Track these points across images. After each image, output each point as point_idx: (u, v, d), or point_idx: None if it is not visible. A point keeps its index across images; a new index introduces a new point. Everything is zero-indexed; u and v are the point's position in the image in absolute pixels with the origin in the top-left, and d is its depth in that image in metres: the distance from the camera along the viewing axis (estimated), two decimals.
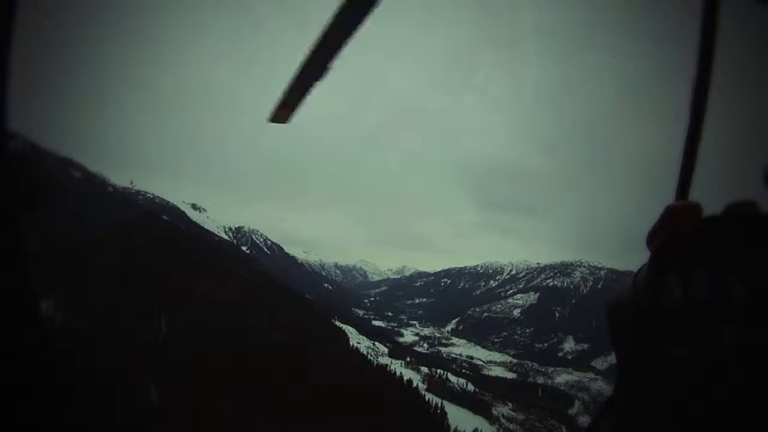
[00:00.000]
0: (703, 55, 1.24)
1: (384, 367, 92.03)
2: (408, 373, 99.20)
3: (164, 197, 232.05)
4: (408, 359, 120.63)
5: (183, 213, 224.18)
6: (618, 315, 0.85)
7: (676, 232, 0.74)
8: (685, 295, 0.69)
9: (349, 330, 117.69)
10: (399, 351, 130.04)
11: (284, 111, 1.74)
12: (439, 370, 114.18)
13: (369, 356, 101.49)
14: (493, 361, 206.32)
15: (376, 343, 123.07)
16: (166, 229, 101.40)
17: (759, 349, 0.63)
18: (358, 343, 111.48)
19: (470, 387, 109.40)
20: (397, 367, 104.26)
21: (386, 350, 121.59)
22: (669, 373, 0.71)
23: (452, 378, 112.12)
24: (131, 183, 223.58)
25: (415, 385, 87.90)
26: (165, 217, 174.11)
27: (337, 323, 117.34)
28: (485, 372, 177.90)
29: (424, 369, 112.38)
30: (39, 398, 1.14)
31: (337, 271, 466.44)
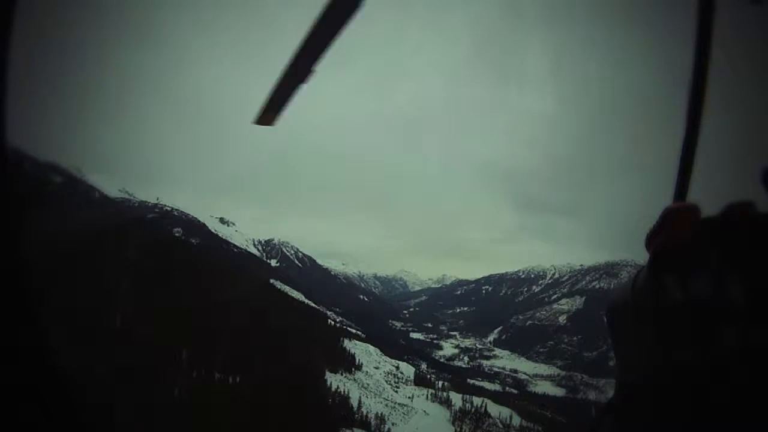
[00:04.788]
0: (700, 56, 1.22)
1: None
2: (433, 410, 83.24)
3: (188, 212, 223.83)
4: (441, 384, 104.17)
5: (203, 225, 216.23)
6: (618, 317, 0.84)
7: (675, 234, 0.74)
8: (685, 296, 0.69)
9: (370, 351, 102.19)
10: (429, 375, 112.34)
11: (270, 113, 1.71)
12: (475, 399, 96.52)
13: (389, 385, 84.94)
14: (539, 375, 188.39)
15: (400, 365, 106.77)
16: (159, 243, 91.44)
17: (759, 350, 0.63)
18: (376, 368, 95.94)
19: (516, 419, 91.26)
20: (421, 400, 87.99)
21: (412, 374, 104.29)
22: (669, 375, 0.70)
23: (492, 408, 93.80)
24: (157, 199, 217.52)
25: None
26: (178, 229, 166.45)
27: (351, 343, 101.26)
28: (531, 388, 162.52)
29: (457, 399, 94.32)
30: (39, 398, 1.12)
31: (377, 282, 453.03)
